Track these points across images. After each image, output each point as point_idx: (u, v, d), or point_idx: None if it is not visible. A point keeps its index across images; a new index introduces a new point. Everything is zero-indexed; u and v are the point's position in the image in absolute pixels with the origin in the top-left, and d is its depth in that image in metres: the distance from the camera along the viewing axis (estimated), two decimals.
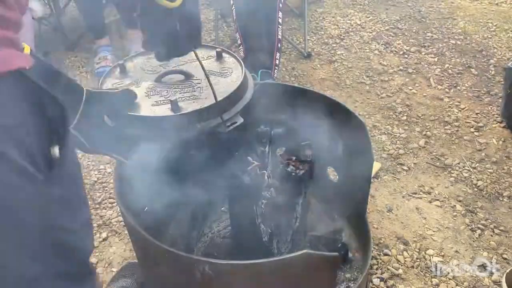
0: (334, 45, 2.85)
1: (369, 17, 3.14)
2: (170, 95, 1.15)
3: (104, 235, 1.76)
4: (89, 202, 1.87)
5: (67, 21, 3.09)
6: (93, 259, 1.66)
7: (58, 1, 3.02)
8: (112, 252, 1.70)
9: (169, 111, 1.09)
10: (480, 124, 2.16)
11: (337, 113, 1.50)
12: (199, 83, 1.19)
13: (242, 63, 1.25)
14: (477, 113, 2.24)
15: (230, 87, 1.16)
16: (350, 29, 3.00)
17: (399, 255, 1.62)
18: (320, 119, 1.54)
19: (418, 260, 1.60)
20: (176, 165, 1.22)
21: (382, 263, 1.59)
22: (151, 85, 1.20)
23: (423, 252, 1.62)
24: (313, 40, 2.91)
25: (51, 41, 2.96)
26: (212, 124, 1.09)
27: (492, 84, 2.43)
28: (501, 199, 1.80)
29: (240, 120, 1.11)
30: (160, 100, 1.14)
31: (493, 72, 2.51)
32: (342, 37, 2.93)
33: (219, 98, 1.11)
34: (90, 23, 2.66)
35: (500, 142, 2.05)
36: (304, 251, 1.05)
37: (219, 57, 1.28)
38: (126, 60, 1.31)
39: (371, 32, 2.96)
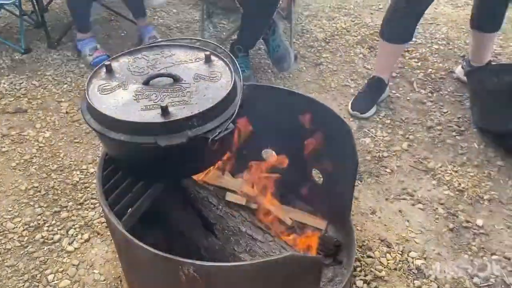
0: (320, 48, 2.86)
1: (354, 21, 3.16)
2: (159, 100, 1.14)
3: (86, 236, 1.73)
4: (71, 203, 1.85)
5: (50, 18, 3.04)
6: (74, 261, 1.64)
7: None
8: (94, 254, 1.67)
9: (159, 117, 1.08)
10: (462, 128, 2.20)
11: (323, 115, 1.51)
12: (188, 87, 1.18)
13: (231, 65, 1.25)
14: (458, 118, 2.27)
15: (221, 93, 1.15)
16: (336, 33, 3.02)
17: (382, 257, 1.63)
18: (306, 121, 1.56)
19: (401, 262, 1.62)
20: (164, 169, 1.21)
21: (366, 265, 1.61)
22: (139, 88, 1.19)
23: (406, 255, 1.64)
24: (299, 42, 2.92)
25: (34, 38, 2.91)
26: (202, 131, 1.09)
27: None
28: (482, 203, 1.84)
29: (231, 126, 1.11)
30: (149, 105, 1.12)
31: None
32: (327, 40, 2.95)
33: (209, 104, 1.11)
34: (77, 17, 2.65)
35: (481, 146, 2.09)
36: (289, 253, 1.06)
37: (207, 60, 1.28)
38: (112, 60, 1.30)
39: (356, 36, 2.98)
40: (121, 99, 1.16)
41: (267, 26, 2.45)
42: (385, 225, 1.75)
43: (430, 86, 2.51)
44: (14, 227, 1.76)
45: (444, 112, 2.32)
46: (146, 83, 1.20)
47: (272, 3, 2.34)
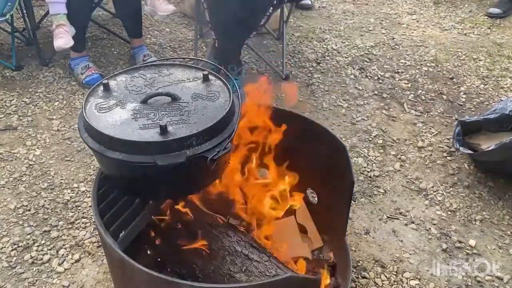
0: (311, 69, 2.90)
1: (344, 42, 3.21)
2: (158, 119, 1.14)
3: (76, 256, 1.70)
4: (62, 222, 1.82)
5: (42, 35, 3.04)
6: (64, 282, 1.60)
7: (33, 15, 2.98)
8: (84, 274, 1.64)
9: (158, 136, 1.08)
10: (452, 149, 2.22)
11: (318, 135, 1.52)
12: (187, 106, 1.18)
13: (229, 86, 1.26)
14: (448, 138, 2.30)
15: (219, 112, 1.15)
16: (327, 54, 3.07)
17: (377, 278, 1.63)
18: (301, 140, 1.56)
19: (396, 283, 1.61)
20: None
21: (361, 286, 1.60)
22: (137, 106, 1.18)
23: (401, 275, 1.64)
24: (290, 63, 2.95)
25: (25, 55, 2.90)
26: (201, 150, 1.08)
27: (462, 110, 2.52)
28: (474, 223, 1.85)
29: (230, 146, 1.11)
30: (147, 124, 1.12)
31: (463, 99, 2.61)
32: (318, 61, 2.98)
33: (208, 123, 1.11)
34: (74, 35, 2.63)
35: (471, 167, 2.12)
36: (289, 274, 1.05)
37: (205, 79, 1.28)
38: (110, 79, 1.29)
39: (346, 57, 3.03)
40: (119, 117, 1.15)
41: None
42: (379, 245, 1.75)
43: (420, 107, 2.54)
44: (2, 247, 1.72)
45: (435, 133, 2.35)
46: (144, 101, 1.20)
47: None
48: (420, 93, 2.66)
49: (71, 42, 2.40)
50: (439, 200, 1.96)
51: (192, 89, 1.26)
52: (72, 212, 1.88)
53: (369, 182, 2.05)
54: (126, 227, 1.25)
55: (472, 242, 1.77)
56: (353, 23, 3.51)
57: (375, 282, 1.61)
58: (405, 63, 2.96)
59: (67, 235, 1.78)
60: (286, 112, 1.64)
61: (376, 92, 2.68)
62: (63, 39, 2.38)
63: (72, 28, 2.44)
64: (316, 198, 1.70)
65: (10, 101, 2.51)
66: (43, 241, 1.75)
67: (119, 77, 1.31)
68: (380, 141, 2.29)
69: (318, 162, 1.57)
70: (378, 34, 3.34)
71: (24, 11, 2.85)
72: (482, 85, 2.73)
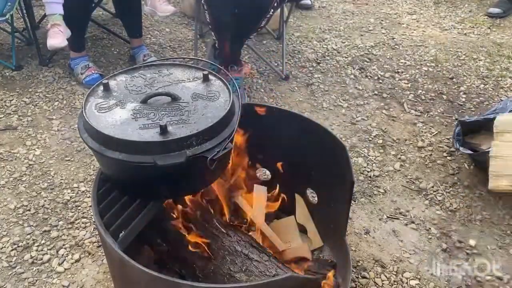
0: (311, 69, 2.90)
1: (344, 42, 3.21)
2: (158, 118, 1.14)
3: (76, 256, 1.70)
4: (62, 222, 1.82)
5: (42, 35, 3.03)
6: (64, 282, 1.60)
7: (33, 15, 2.98)
8: (84, 274, 1.64)
9: (158, 136, 1.08)
10: (452, 149, 2.22)
11: (318, 135, 1.52)
12: (187, 106, 1.18)
13: (229, 86, 1.26)
14: (448, 138, 2.30)
15: (219, 112, 1.16)
16: (327, 54, 3.07)
17: (377, 277, 1.63)
18: (301, 140, 1.56)
19: (396, 283, 1.61)
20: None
21: (361, 286, 1.60)
22: (137, 106, 1.19)
23: (400, 275, 1.64)
24: (290, 63, 2.95)
25: (25, 55, 2.90)
26: (201, 150, 1.08)
27: (462, 110, 2.51)
28: (474, 223, 1.85)
29: (230, 146, 1.11)
30: (147, 124, 1.12)
31: (463, 99, 2.60)
32: (318, 61, 2.98)
33: (208, 123, 1.11)
34: (73, 36, 2.62)
35: (472, 167, 2.12)
36: (289, 274, 1.05)
37: (205, 79, 1.28)
38: (109, 78, 1.30)
39: (346, 57, 3.03)
40: (119, 117, 1.15)
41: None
42: (379, 245, 1.75)
43: (420, 107, 2.54)
44: (2, 247, 1.72)
45: (435, 133, 2.35)
46: (144, 101, 1.20)
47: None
48: (420, 93, 2.66)
49: (64, 42, 2.40)
50: (439, 200, 1.95)
51: (192, 89, 1.26)
52: (72, 212, 1.88)
53: (369, 182, 2.05)
54: (126, 227, 1.25)
55: (472, 242, 1.76)
56: (353, 23, 3.51)
57: (375, 282, 1.61)
58: (405, 63, 2.96)
59: (67, 235, 1.78)
60: (286, 112, 1.65)
61: (376, 92, 2.68)
62: (56, 38, 2.37)
63: (67, 30, 2.44)
64: (316, 198, 1.70)
65: (10, 101, 2.51)
66: (43, 241, 1.75)
67: (119, 77, 1.31)
68: (380, 141, 2.29)
69: (318, 162, 1.57)
70: (378, 34, 3.34)
71: (24, 11, 2.86)
72: (482, 85, 2.73)
